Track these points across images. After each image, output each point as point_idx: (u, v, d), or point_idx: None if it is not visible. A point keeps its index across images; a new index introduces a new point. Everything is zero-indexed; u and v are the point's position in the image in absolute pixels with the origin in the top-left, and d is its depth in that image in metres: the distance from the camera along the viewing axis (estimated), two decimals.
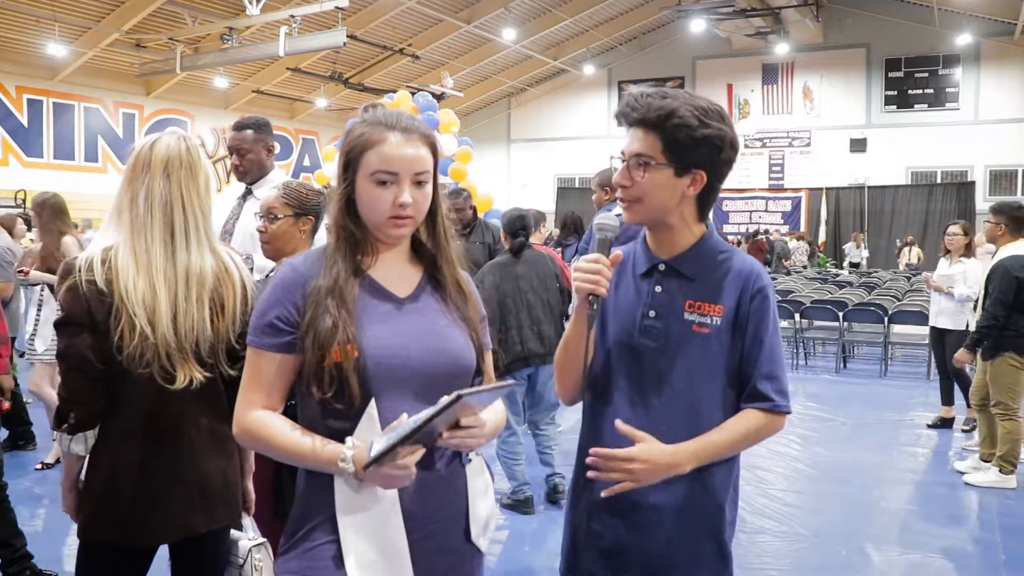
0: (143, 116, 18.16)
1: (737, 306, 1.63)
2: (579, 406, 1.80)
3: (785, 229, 20.70)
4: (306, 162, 21.94)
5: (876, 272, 16.26)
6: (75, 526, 1.99)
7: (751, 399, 1.63)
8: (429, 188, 1.54)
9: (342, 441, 1.43)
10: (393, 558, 1.45)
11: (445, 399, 1.32)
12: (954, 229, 6.32)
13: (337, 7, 13.28)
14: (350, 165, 1.52)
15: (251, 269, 2.60)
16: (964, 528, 4.45)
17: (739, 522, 1.76)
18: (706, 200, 1.66)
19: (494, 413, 1.60)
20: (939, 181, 20.33)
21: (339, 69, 18.74)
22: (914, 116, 20.43)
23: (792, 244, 18.66)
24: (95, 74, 16.71)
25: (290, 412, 1.54)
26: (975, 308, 5.67)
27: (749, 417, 1.63)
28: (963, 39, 18.99)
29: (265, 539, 2.10)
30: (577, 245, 6.34)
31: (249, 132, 3.37)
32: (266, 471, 2.31)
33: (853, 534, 4.25)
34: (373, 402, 1.44)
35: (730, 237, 19.17)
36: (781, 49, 20.20)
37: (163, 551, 2.04)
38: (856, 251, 19.07)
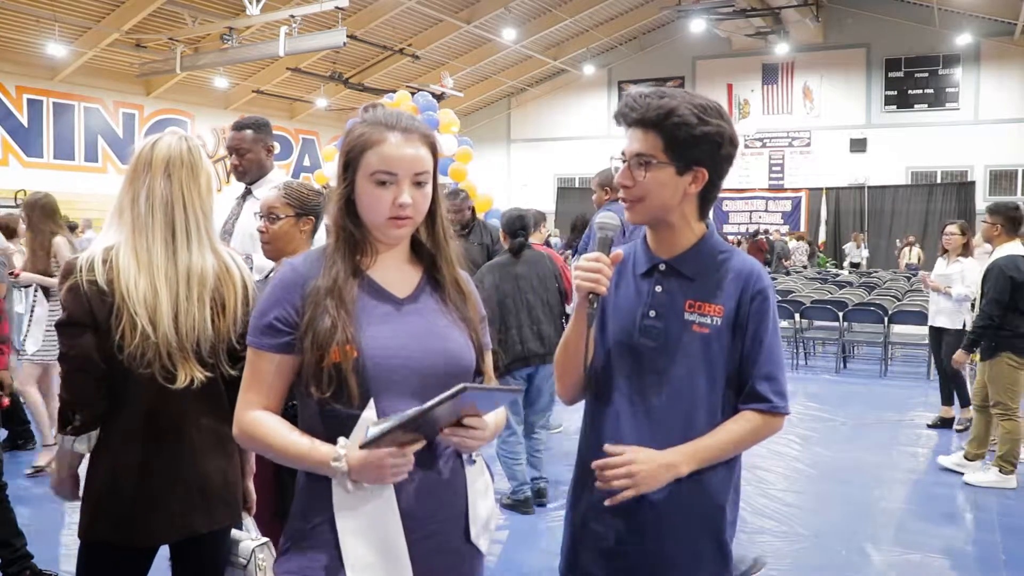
0: (143, 116, 18.16)
1: (737, 307, 1.63)
2: (579, 406, 1.80)
3: (785, 229, 20.70)
4: (306, 162, 21.94)
5: (876, 272, 16.26)
6: (75, 526, 1.99)
7: (749, 400, 1.63)
8: (429, 188, 1.54)
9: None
10: (392, 558, 1.45)
11: (449, 390, 1.32)
12: (951, 229, 6.35)
13: (337, 7, 13.28)
14: (350, 165, 1.51)
15: (250, 269, 2.60)
16: (964, 528, 4.46)
17: (739, 522, 1.76)
18: (707, 198, 1.66)
19: (494, 414, 1.60)
20: (939, 181, 20.33)
21: (339, 69, 18.74)
22: (914, 116, 20.43)
23: (792, 244, 18.66)
24: (95, 74, 16.71)
25: (292, 413, 1.54)
26: (972, 308, 5.68)
27: (747, 418, 1.63)
28: (963, 39, 18.99)
29: (268, 539, 2.10)
30: None
31: (248, 132, 3.37)
32: (267, 471, 2.31)
33: (853, 534, 4.25)
34: (372, 402, 1.44)
35: (730, 237, 19.17)
36: (781, 49, 20.20)
37: (163, 551, 2.04)
38: (856, 251, 19.06)
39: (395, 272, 1.57)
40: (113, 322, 1.83)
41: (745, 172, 21.60)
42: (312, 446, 1.44)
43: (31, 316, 4.87)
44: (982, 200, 18.70)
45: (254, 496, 2.19)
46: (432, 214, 1.59)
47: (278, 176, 3.40)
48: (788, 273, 15.38)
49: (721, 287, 1.64)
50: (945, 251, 6.45)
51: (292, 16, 13.23)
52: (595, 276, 1.59)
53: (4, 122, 15.66)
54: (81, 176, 16.93)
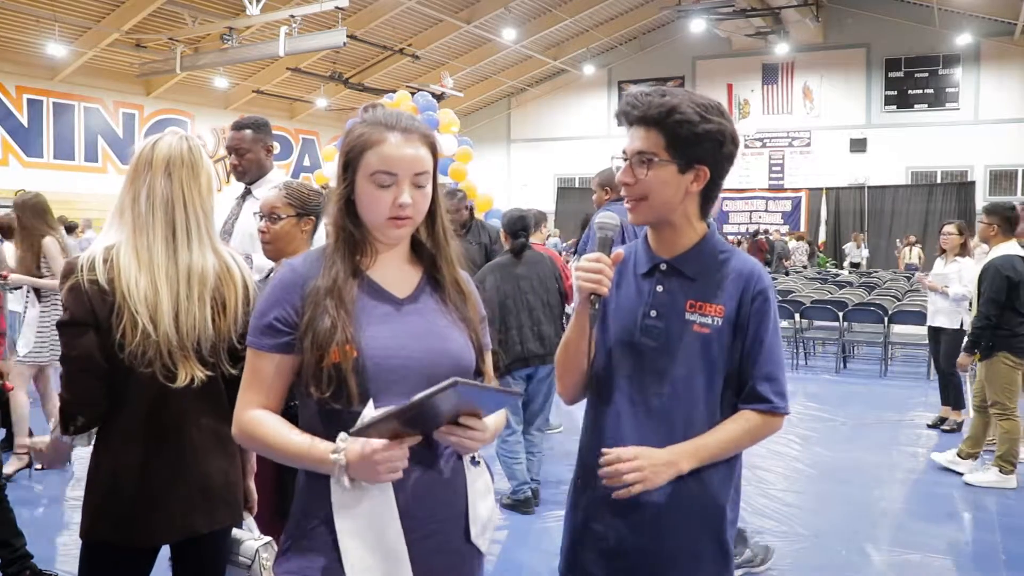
0: (143, 116, 18.16)
1: (738, 307, 1.63)
2: (579, 407, 1.80)
3: (785, 229, 20.70)
4: (306, 162, 21.94)
5: (876, 272, 16.26)
6: (76, 525, 2.00)
7: (749, 400, 1.63)
8: (429, 189, 1.54)
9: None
10: (391, 559, 1.45)
11: (440, 384, 1.31)
12: (949, 229, 6.39)
13: (337, 7, 13.28)
14: (350, 165, 1.51)
15: (250, 269, 2.60)
16: (964, 528, 4.45)
17: (739, 522, 1.75)
18: (708, 197, 1.66)
19: (494, 415, 1.60)
20: (939, 181, 20.33)
21: (339, 69, 18.74)
22: (914, 116, 20.43)
23: (792, 244, 18.66)
24: (95, 74, 16.71)
25: (293, 414, 1.54)
26: (970, 307, 5.69)
27: (747, 418, 1.63)
28: (963, 39, 18.99)
29: (271, 538, 2.10)
30: None
31: (248, 132, 3.37)
32: (268, 471, 2.31)
33: (853, 534, 4.25)
34: (371, 402, 1.44)
35: (730, 237, 19.17)
36: (781, 49, 20.20)
37: (164, 551, 2.04)
38: (856, 251, 19.07)
39: (395, 272, 1.57)
40: (114, 321, 1.83)
41: (745, 172, 21.60)
42: (311, 443, 1.44)
43: (24, 317, 4.87)
44: (982, 200, 18.70)
45: (255, 496, 2.19)
46: (432, 214, 1.58)
47: (278, 176, 3.40)
48: (788, 273, 15.38)
49: (722, 287, 1.64)
50: (943, 251, 6.48)
51: (292, 16, 13.23)
52: (596, 277, 1.59)
53: (4, 122, 15.66)
54: (81, 176, 16.93)
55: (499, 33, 18.73)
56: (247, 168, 3.39)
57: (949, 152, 19.96)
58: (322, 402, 1.45)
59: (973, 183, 19.74)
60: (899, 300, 10.04)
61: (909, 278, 13.80)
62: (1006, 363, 4.89)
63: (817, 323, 9.91)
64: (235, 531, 2.10)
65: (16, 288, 4.98)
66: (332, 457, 1.40)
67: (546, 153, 24.09)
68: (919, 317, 8.25)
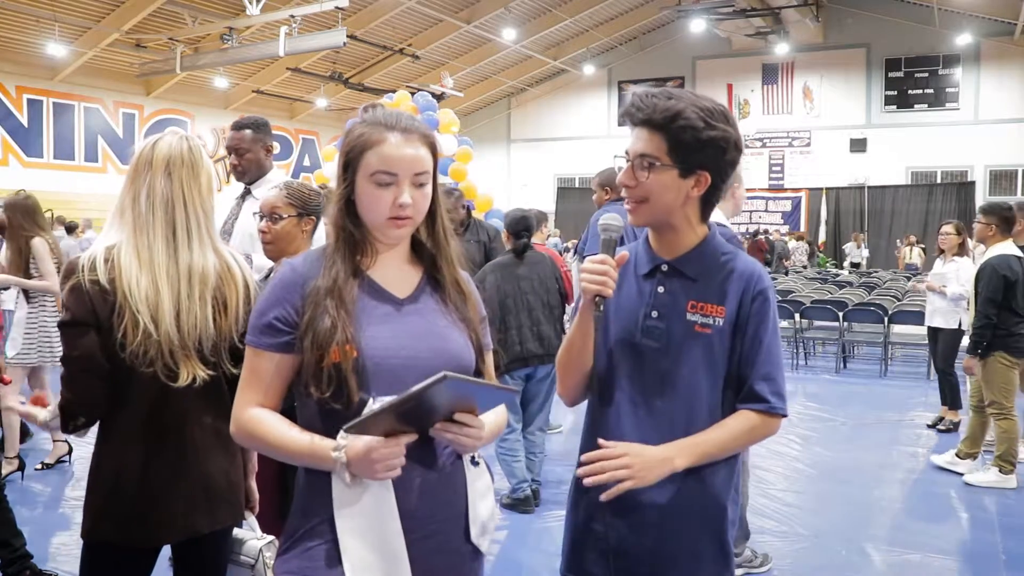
0: (143, 116, 18.17)
1: (739, 307, 1.63)
2: (580, 407, 1.80)
3: (785, 229, 20.70)
4: (306, 162, 21.95)
5: (876, 272, 16.26)
6: (75, 525, 2.00)
7: (747, 400, 1.63)
8: (429, 188, 1.54)
9: None
10: (391, 559, 1.45)
11: (430, 378, 1.31)
12: (947, 229, 6.42)
13: (337, 7, 13.29)
14: (350, 165, 1.51)
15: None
16: (964, 528, 4.45)
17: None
18: (709, 201, 1.66)
19: (494, 415, 1.60)
20: (939, 181, 20.34)
21: (339, 69, 18.75)
22: (914, 116, 20.44)
23: (792, 244, 18.66)
24: (95, 74, 16.71)
25: (293, 415, 1.54)
26: (968, 307, 5.70)
27: (744, 417, 1.63)
28: (963, 39, 18.99)
29: (273, 537, 2.10)
30: None
31: (248, 132, 3.37)
32: (270, 470, 2.31)
33: (853, 534, 4.25)
34: (371, 402, 1.44)
35: None
36: (781, 49, 20.20)
37: (165, 551, 2.04)
38: (856, 251, 19.07)
39: (395, 272, 1.57)
40: (115, 321, 1.83)
41: (745, 172, 21.51)
42: (312, 440, 1.45)
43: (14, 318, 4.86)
44: (982, 200, 18.69)
45: (257, 495, 2.19)
46: (432, 214, 1.58)
47: (277, 176, 3.40)
48: (788, 273, 15.38)
49: (723, 288, 1.64)
50: (941, 251, 6.50)
51: (292, 16, 13.24)
52: (601, 279, 1.58)
53: (4, 122, 15.66)
54: (81, 176, 16.94)
55: (499, 33, 18.73)
56: (247, 168, 3.39)
57: (949, 152, 19.97)
58: (322, 402, 1.45)
59: (973, 183, 19.75)
60: (899, 300, 10.04)
61: (909, 278, 13.81)
62: (1003, 363, 4.90)
63: (817, 323, 9.91)
64: (237, 531, 2.10)
65: (4, 288, 4.97)
66: (334, 455, 1.40)
67: (546, 153, 24.09)
68: (919, 317, 8.24)
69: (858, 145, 20.96)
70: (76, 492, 4.65)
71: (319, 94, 20.00)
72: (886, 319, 8.85)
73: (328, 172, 10.15)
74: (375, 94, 17.82)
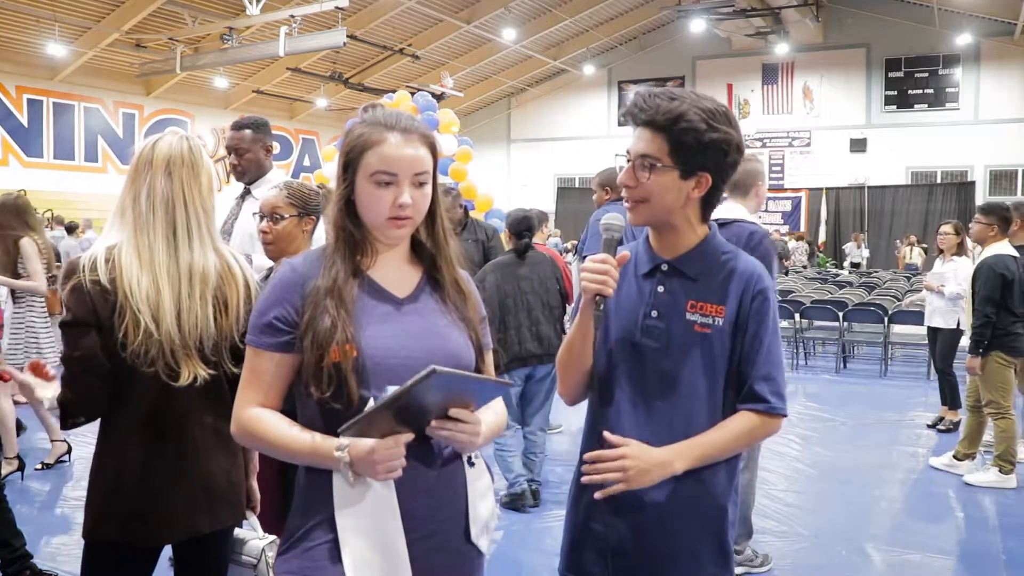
0: (143, 116, 18.17)
1: (739, 307, 1.63)
2: (580, 407, 1.80)
3: (785, 229, 20.69)
4: (306, 162, 21.95)
5: (876, 272, 16.26)
6: (75, 525, 2.00)
7: (747, 400, 1.63)
8: (428, 188, 1.54)
9: None
10: (391, 558, 1.45)
11: (419, 373, 1.31)
12: (946, 228, 6.45)
13: (337, 7, 13.29)
14: (349, 166, 1.52)
15: None
16: (964, 528, 4.45)
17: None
18: (710, 202, 1.66)
19: (493, 414, 1.60)
20: (939, 181, 20.34)
21: (339, 69, 18.75)
22: (914, 116, 20.44)
23: (792, 244, 18.65)
24: (95, 74, 16.72)
25: (293, 416, 1.54)
26: (965, 307, 5.71)
27: (745, 418, 1.63)
28: (963, 39, 18.99)
29: (275, 536, 2.10)
30: None
31: (247, 132, 3.37)
32: (272, 470, 2.31)
33: (853, 534, 4.25)
34: (371, 401, 1.44)
35: None
36: (781, 49, 20.20)
37: (165, 550, 2.04)
38: (856, 251, 19.07)
39: (395, 272, 1.57)
40: (116, 320, 1.83)
41: None
42: (314, 439, 1.45)
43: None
44: (982, 200, 18.69)
45: (258, 495, 2.20)
46: (432, 214, 1.59)
47: (277, 176, 3.40)
48: (788, 273, 15.37)
49: (723, 288, 1.64)
50: (940, 251, 6.52)
51: (292, 16, 13.24)
52: (602, 278, 1.58)
53: (4, 122, 15.66)
54: (81, 176, 16.94)
55: (499, 33, 18.73)
56: (246, 168, 3.39)
57: (949, 152, 19.97)
58: (322, 402, 1.45)
59: (973, 183, 19.76)
60: (899, 300, 10.03)
61: (909, 278, 13.81)
62: (999, 362, 4.91)
63: (817, 323, 9.91)
64: (239, 530, 2.10)
65: None
66: (337, 455, 1.41)
67: (546, 153, 24.09)
68: (919, 317, 8.22)
69: (858, 145, 20.96)
70: (76, 492, 4.65)
71: (319, 94, 20.01)
72: (886, 319, 8.85)
73: (328, 172, 10.15)
74: (375, 94, 17.82)
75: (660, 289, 1.66)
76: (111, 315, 1.83)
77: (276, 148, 3.64)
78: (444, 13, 17.66)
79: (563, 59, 21.92)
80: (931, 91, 20.24)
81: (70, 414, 1.87)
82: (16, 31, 14.49)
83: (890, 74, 20.60)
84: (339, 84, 18.95)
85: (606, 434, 1.60)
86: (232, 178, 3.53)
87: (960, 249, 6.36)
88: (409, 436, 1.41)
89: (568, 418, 6.17)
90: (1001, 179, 19.78)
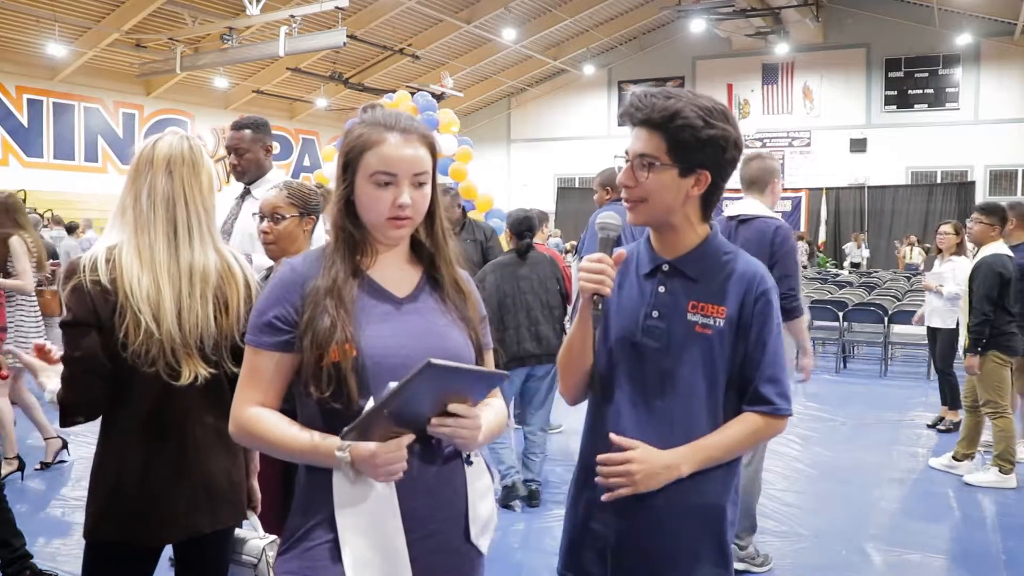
0: (143, 116, 18.17)
1: (740, 308, 1.63)
2: (580, 407, 1.80)
3: None
4: (306, 162, 21.95)
5: (876, 272, 16.27)
6: (75, 525, 2.00)
7: (753, 402, 1.63)
8: (428, 188, 1.54)
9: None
10: (391, 557, 1.45)
11: (415, 368, 1.31)
12: (945, 228, 6.47)
13: (337, 7, 13.29)
14: (349, 166, 1.52)
15: None
16: (964, 528, 4.45)
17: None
18: (710, 200, 1.66)
19: (493, 413, 1.60)
20: (939, 181, 20.34)
21: (339, 69, 18.75)
22: (914, 116, 20.44)
23: None
24: (95, 74, 16.72)
25: (292, 416, 1.54)
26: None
27: (750, 420, 1.63)
28: (963, 39, 18.99)
29: (276, 536, 2.10)
30: None
31: (247, 132, 3.37)
32: (273, 470, 2.31)
33: (853, 534, 4.25)
34: (371, 400, 1.44)
35: None
36: (781, 49, 20.20)
37: (166, 550, 2.04)
38: (856, 251, 19.07)
39: (395, 272, 1.58)
40: (116, 320, 1.83)
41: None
42: (316, 439, 1.45)
43: None
44: (982, 200, 18.70)
45: (259, 495, 2.20)
46: (431, 214, 1.59)
47: (277, 176, 3.40)
48: None
49: (724, 288, 1.64)
50: (939, 251, 6.53)
51: (292, 16, 13.24)
52: (599, 278, 1.58)
53: (4, 122, 15.66)
54: (81, 176, 16.94)
55: (499, 33, 18.73)
56: (246, 168, 3.40)
57: (949, 152, 19.97)
58: (322, 402, 1.45)
59: (973, 183, 19.76)
60: (899, 300, 10.04)
61: (909, 278, 13.81)
62: (996, 361, 4.92)
63: (817, 323, 9.89)
64: (239, 530, 2.10)
65: None
66: (338, 454, 1.41)
67: (546, 153, 24.09)
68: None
69: (858, 145, 20.95)
70: (76, 492, 4.65)
71: (319, 94, 20.00)
72: (886, 319, 8.85)
73: (328, 172, 10.15)
74: (375, 94, 17.82)
75: (661, 289, 1.66)
76: (111, 315, 1.84)
77: (276, 148, 3.64)
78: (444, 13, 17.66)
79: (563, 59, 21.92)
80: (931, 91, 20.25)
81: (70, 413, 1.88)
82: (16, 31, 14.49)
83: (890, 74, 20.60)
84: (339, 84, 18.95)
85: (612, 436, 1.60)
86: (232, 178, 3.53)
87: (959, 249, 6.37)
88: (410, 437, 1.41)
89: (568, 418, 6.17)
90: (1001, 179, 19.78)
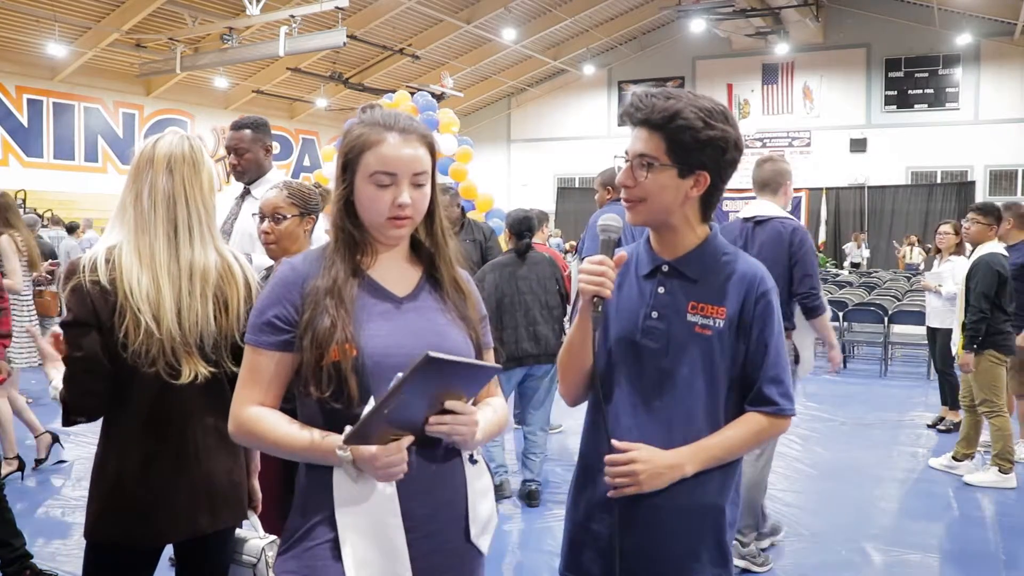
0: (143, 116, 18.16)
1: (741, 309, 1.63)
2: (580, 408, 1.80)
3: None
4: (306, 162, 21.95)
5: (876, 272, 16.26)
6: (75, 525, 2.00)
7: (756, 403, 1.64)
8: (427, 188, 1.54)
9: None
10: (392, 557, 1.45)
11: (414, 363, 1.31)
12: (945, 228, 6.48)
13: (337, 7, 13.29)
14: (348, 166, 1.52)
15: None
16: (964, 528, 4.45)
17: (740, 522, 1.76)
18: (709, 201, 1.66)
19: (492, 412, 1.60)
20: (939, 181, 20.33)
21: (339, 69, 18.74)
22: (914, 116, 20.43)
23: None
24: (95, 74, 16.71)
25: (291, 414, 1.54)
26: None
27: (753, 420, 1.63)
28: (963, 39, 18.99)
29: (276, 536, 2.10)
30: None
31: (247, 132, 3.37)
32: (274, 470, 2.31)
33: (853, 534, 4.25)
34: (372, 400, 1.44)
35: None
36: (781, 49, 20.19)
37: (167, 550, 2.04)
38: (856, 251, 19.06)
39: (395, 271, 1.58)
40: (116, 320, 1.83)
41: (745, 172, 21.51)
42: (314, 436, 1.45)
43: None
44: (982, 200, 18.68)
45: (259, 495, 2.20)
46: (431, 214, 1.59)
47: (276, 176, 3.40)
48: None
49: (724, 289, 1.64)
50: (938, 251, 6.53)
51: (292, 16, 13.24)
52: (599, 280, 1.58)
53: (4, 122, 15.66)
54: (81, 176, 16.93)
55: (499, 33, 18.72)
56: (246, 168, 3.40)
57: (949, 152, 19.97)
58: (322, 401, 1.46)
59: (973, 183, 19.75)
60: (899, 300, 10.04)
61: (909, 278, 13.81)
62: (992, 360, 4.92)
63: None
64: (239, 530, 2.10)
65: None
66: (340, 455, 1.41)
67: (546, 153, 24.08)
68: (919, 317, 8.23)
69: (858, 145, 20.95)
70: (76, 492, 4.65)
71: (319, 94, 20.00)
72: (886, 319, 8.85)
73: (328, 172, 10.15)
74: (375, 94, 17.81)
75: (661, 290, 1.66)
76: (111, 315, 1.84)
77: (276, 148, 3.64)
78: (444, 13, 17.66)
79: (563, 59, 21.92)
80: (931, 91, 20.24)
81: (72, 413, 1.88)
82: (16, 31, 14.48)
83: (890, 74, 20.59)
84: (339, 84, 18.94)
85: (614, 442, 1.60)
86: (232, 178, 3.53)
87: (958, 249, 6.37)
88: (410, 439, 1.41)
89: (568, 418, 6.17)
90: (1001, 179, 19.78)
